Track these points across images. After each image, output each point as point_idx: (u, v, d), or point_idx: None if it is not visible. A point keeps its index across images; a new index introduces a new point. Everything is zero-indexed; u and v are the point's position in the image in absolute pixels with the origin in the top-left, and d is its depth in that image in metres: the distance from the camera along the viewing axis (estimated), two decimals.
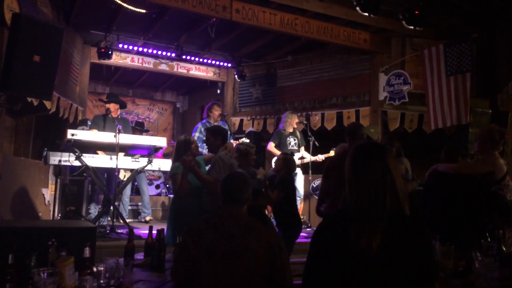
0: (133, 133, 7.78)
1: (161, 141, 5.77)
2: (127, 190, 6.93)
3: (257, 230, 2.39)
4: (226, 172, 3.94)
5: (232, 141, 5.80)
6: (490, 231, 3.41)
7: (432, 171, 4.03)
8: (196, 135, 6.17)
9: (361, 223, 1.71)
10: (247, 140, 6.50)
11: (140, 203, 7.35)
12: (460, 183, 3.74)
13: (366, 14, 5.30)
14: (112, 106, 6.29)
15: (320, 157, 6.51)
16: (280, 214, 4.54)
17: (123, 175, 7.04)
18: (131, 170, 5.86)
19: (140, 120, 10.21)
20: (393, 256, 1.68)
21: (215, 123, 6.20)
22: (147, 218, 7.00)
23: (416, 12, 5.36)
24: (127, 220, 6.34)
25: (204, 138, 6.11)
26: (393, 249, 1.68)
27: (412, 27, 5.49)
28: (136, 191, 7.73)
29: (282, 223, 4.49)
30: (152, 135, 10.97)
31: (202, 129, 6.22)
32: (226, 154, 4.12)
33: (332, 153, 6.32)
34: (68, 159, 5.20)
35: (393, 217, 1.72)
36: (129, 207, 7.22)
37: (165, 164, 5.93)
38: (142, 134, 8.03)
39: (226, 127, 5.94)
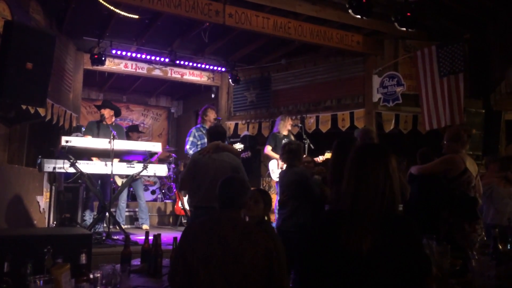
0: (130, 137, 7.78)
1: (156, 147, 5.76)
2: (124, 195, 6.89)
3: (253, 235, 2.35)
4: (190, 170, 4.19)
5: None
6: (451, 225, 3.74)
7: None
8: (190, 139, 6.15)
9: (353, 224, 1.72)
10: (241, 145, 6.51)
11: (136, 209, 7.31)
12: (424, 182, 4.00)
13: (359, 16, 5.33)
14: (107, 112, 6.26)
15: (321, 158, 6.51)
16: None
17: (120, 182, 7.01)
18: (127, 176, 5.83)
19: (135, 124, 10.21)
20: (384, 256, 1.69)
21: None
22: (144, 227, 6.92)
23: (408, 14, 5.39)
24: (124, 226, 6.30)
25: (199, 143, 6.13)
26: (383, 249, 1.70)
27: (405, 29, 5.52)
28: (132, 197, 7.69)
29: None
30: (147, 140, 10.95)
31: (196, 134, 6.20)
32: (199, 154, 4.24)
33: (327, 155, 6.33)
34: (63, 166, 5.17)
35: (384, 218, 1.74)
36: (126, 213, 7.18)
37: (161, 170, 5.92)
38: (139, 136, 8.01)
39: None
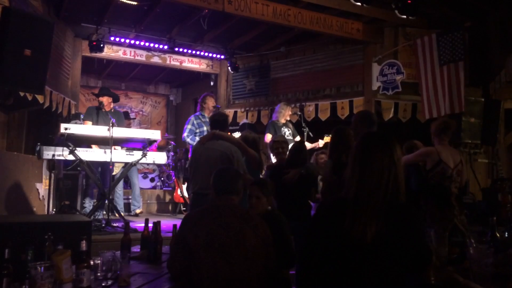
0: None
1: (155, 134, 5.74)
2: (120, 183, 6.91)
3: (253, 221, 2.42)
4: (191, 158, 4.45)
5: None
6: (428, 213, 3.91)
7: None
8: (188, 127, 6.13)
9: (358, 211, 1.72)
10: (239, 134, 6.51)
11: (131, 196, 7.33)
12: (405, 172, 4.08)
13: (359, 4, 5.30)
14: (105, 100, 6.23)
15: (322, 142, 6.51)
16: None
17: (119, 169, 7.03)
18: (126, 164, 5.83)
19: (130, 112, 10.19)
20: (387, 244, 1.70)
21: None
22: (137, 211, 6.99)
23: (409, 1, 5.36)
24: (122, 214, 6.32)
25: (197, 131, 6.12)
26: (387, 237, 1.70)
27: (405, 17, 5.49)
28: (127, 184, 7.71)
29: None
30: (145, 128, 10.94)
31: (195, 122, 6.19)
32: (198, 142, 4.45)
33: (326, 138, 6.33)
34: (62, 153, 5.15)
35: (389, 206, 1.74)
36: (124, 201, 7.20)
37: (160, 157, 5.92)
38: (131, 123, 8.01)
39: None
